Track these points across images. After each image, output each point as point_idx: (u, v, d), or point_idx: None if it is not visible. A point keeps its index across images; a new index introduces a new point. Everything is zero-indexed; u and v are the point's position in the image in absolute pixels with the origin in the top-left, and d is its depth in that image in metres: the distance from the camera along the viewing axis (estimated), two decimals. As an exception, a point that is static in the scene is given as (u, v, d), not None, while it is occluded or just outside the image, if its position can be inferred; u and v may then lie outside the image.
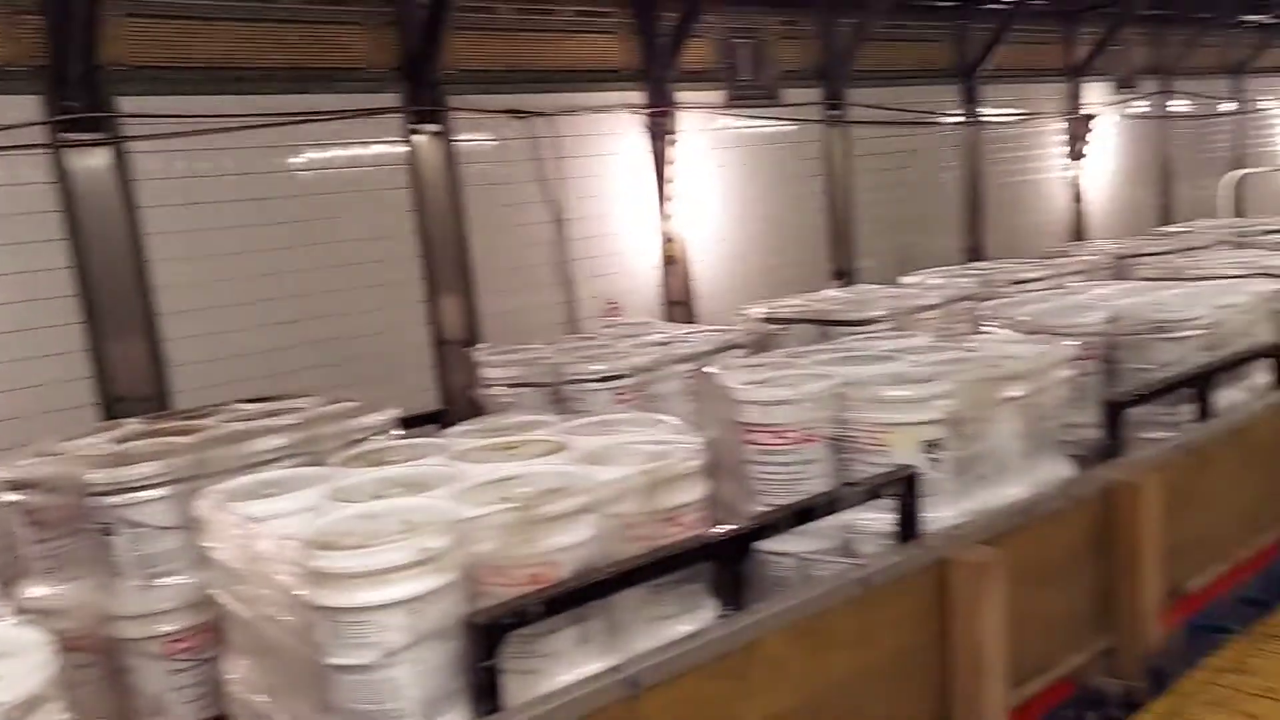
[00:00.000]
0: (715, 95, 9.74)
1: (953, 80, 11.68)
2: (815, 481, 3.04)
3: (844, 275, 10.68)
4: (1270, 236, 6.89)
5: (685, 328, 5.75)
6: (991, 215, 12.28)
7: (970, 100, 11.72)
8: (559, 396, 4.23)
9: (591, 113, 8.75)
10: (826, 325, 4.85)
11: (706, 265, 9.89)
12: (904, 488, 2.78)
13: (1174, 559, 3.50)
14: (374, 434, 3.40)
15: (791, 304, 5.42)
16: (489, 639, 2.10)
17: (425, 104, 7.76)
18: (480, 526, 2.21)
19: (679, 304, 9.66)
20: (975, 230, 12.12)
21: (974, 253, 11.95)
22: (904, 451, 2.94)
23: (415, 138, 7.83)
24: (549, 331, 6.78)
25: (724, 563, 2.54)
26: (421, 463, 2.82)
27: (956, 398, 2.92)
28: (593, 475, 2.43)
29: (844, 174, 10.80)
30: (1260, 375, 4.24)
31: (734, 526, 2.60)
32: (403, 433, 3.59)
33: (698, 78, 9.57)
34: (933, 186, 11.81)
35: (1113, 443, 3.45)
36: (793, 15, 10.20)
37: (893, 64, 11.17)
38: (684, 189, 9.60)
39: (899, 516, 2.80)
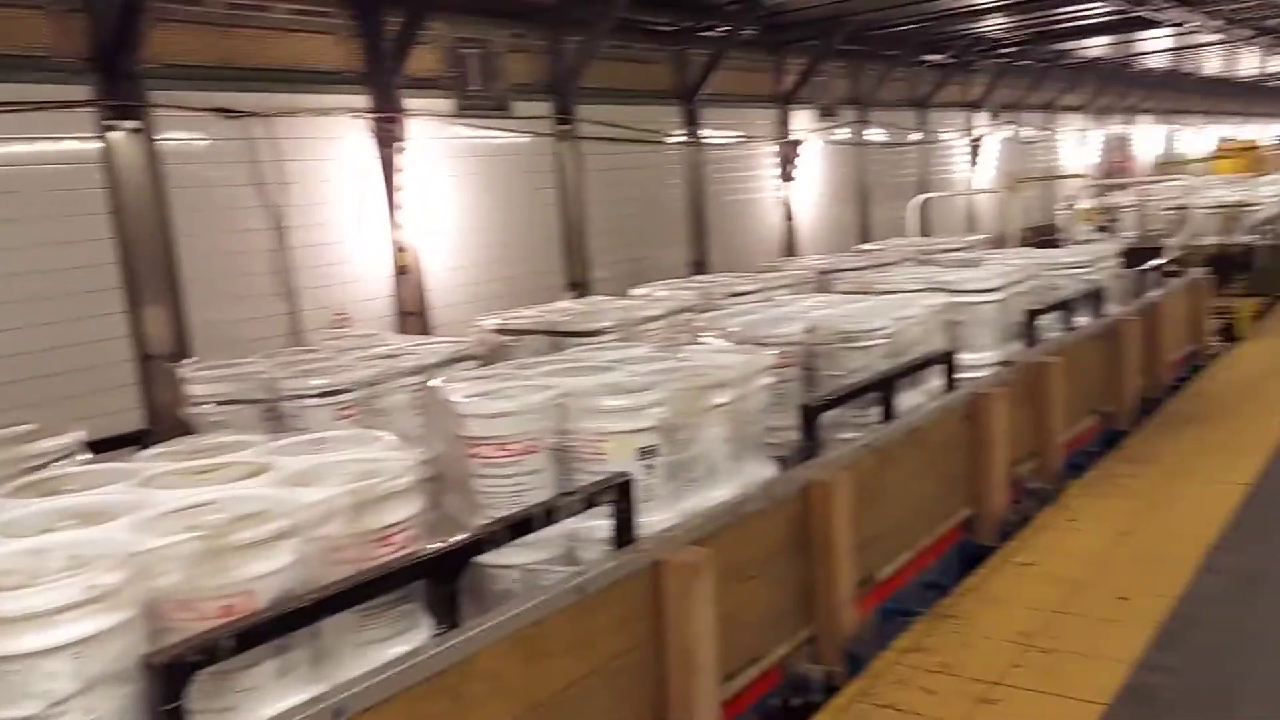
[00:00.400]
0: (445, 104, 9.64)
1: (675, 102, 12.27)
2: (539, 492, 3.07)
3: (578, 287, 10.89)
4: (948, 254, 7.73)
5: (415, 339, 5.61)
6: (714, 231, 13.01)
7: (692, 122, 12.35)
8: (276, 414, 3.98)
9: (312, 115, 8.37)
10: (557, 336, 4.91)
11: (441, 275, 9.75)
12: (619, 494, 2.86)
13: (865, 550, 3.85)
14: (54, 460, 3.05)
15: (524, 315, 5.43)
16: (171, 679, 1.93)
17: (121, 98, 7.09)
18: (162, 558, 2.03)
19: (413, 315, 9.44)
20: (700, 244, 12.79)
21: (699, 266, 12.60)
22: (620, 459, 3.03)
23: (111, 135, 7.14)
24: (269, 345, 6.40)
25: (439, 580, 2.49)
26: (102, 491, 2.56)
27: (668, 406, 3.05)
28: (294, 497, 2.31)
29: (576, 188, 11.03)
30: (935, 379, 4.75)
31: (445, 543, 2.56)
32: (90, 457, 3.25)
33: (427, 85, 9.43)
34: (661, 202, 12.33)
35: (809, 444, 3.74)
36: (521, 28, 10.31)
37: (620, 83, 11.57)
38: (416, 198, 9.41)
39: (615, 522, 2.87)
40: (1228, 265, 11.14)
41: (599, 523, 2.97)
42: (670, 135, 12.22)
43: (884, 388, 4.14)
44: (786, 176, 13.97)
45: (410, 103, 9.21)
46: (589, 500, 2.85)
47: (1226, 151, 22.29)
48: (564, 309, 5.84)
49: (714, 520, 3.06)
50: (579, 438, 3.13)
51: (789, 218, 14.20)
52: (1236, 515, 4.82)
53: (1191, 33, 13.24)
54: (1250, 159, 20.42)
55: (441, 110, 9.58)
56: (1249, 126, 37.32)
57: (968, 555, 4.78)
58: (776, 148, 13.93)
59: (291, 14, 8.40)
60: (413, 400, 4.01)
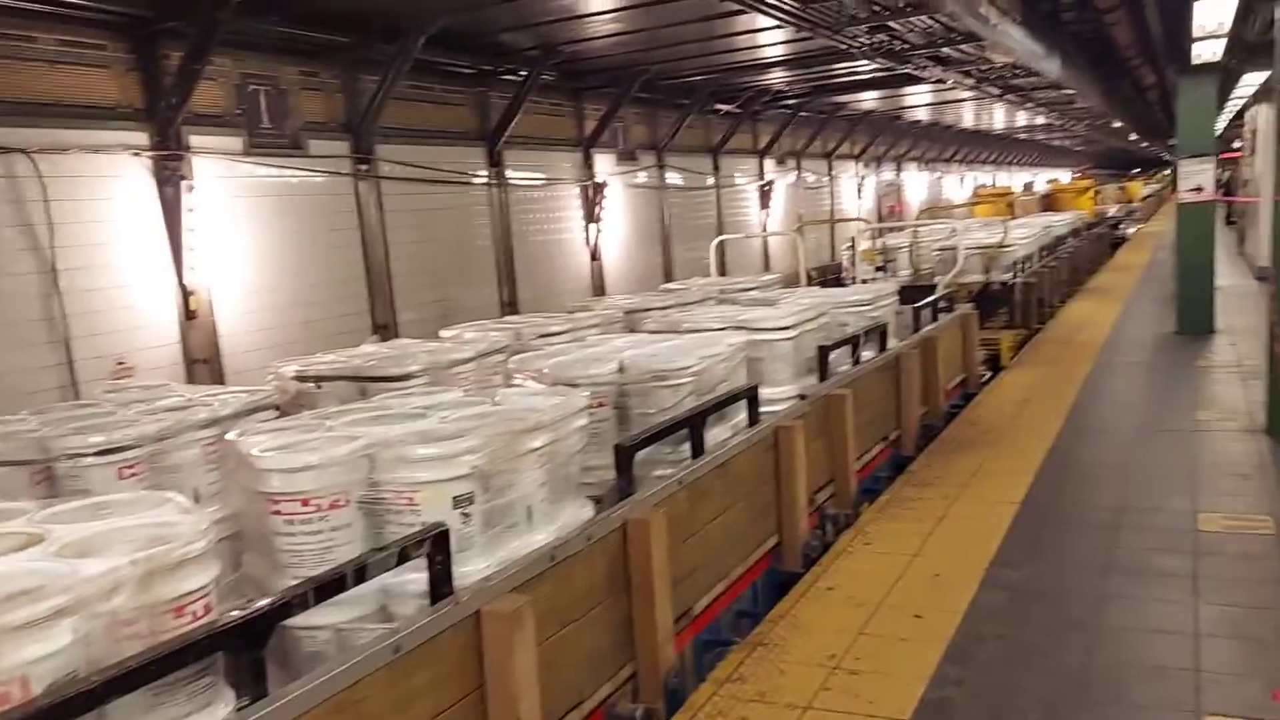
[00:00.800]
0: (235, 142, 9.19)
1: (479, 143, 12.26)
2: (348, 548, 2.94)
3: (384, 329, 10.59)
4: (746, 293, 8.06)
5: (207, 389, 5.25)
6: (523, 271, 13.02)
7: (496, 163, 12.36)
8: (49, 476, 3.62)
9: (84, 152, 7.77)
10: (363, 382, 4.73)
11: (235, 320, 9.23)
12: (435, 546, 2.78)
13: (682, 585, 3.92)
14: None
15: (327, 360, 5.20)
16: (-73, 791, 1.70)
17: None
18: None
19: (203, 363, 8.88)
20: (510, 285, 12.76)
21: (509, 306, 12.57)
22: (435, 509, 2.95)
23: None
24: (41, 399, 5.83)
25: (242, 649, 2.33)
26: None
27: (483, 452, 3.00)
28: (73, 570, 2.10)
29: (379, 228, 10.77)
30: (739, 414, 4.93)
31: (248, 609, 2.40)
32: None
33: (214, 122, 8.97)
34: (469, 243, 12.24)
35: (625, 483, 3.78)
36: (313, 66, 10.01)
37: (422, 123, 11.45)
38: (206, 239, 8.89)
39: (431, 575, 2.79)
40: (990, 301, 12.24)
41: (414, 576, 2.88)
42: (475, 176, 12.17)
43: (694, 424, 4.25)
44: (592, 218, 14.21)
45: (197, 140, 8.72)
46: (403, 554, 2.75)
47: (984, 197, 24.62)
48: (369, 353, 5.63)
49: (533, 566, 3.03)
50: (390, 489, 3.03)
51: (595, 258, 14.43)
52: (1010, 532, 5.26)
53: (950, 89, 14.55)
54: (1004, 204, 22.63)
55: (231, 148, 9.13)
56: (1002, 174, 41.36)
57: (776, 582, 4.97)
58: (580, 190, 14.15)
59: (61, 46, 7.80)
60: (206, 456, 3.76)
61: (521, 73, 11.94)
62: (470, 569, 2.96)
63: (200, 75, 8.40)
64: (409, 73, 10.36)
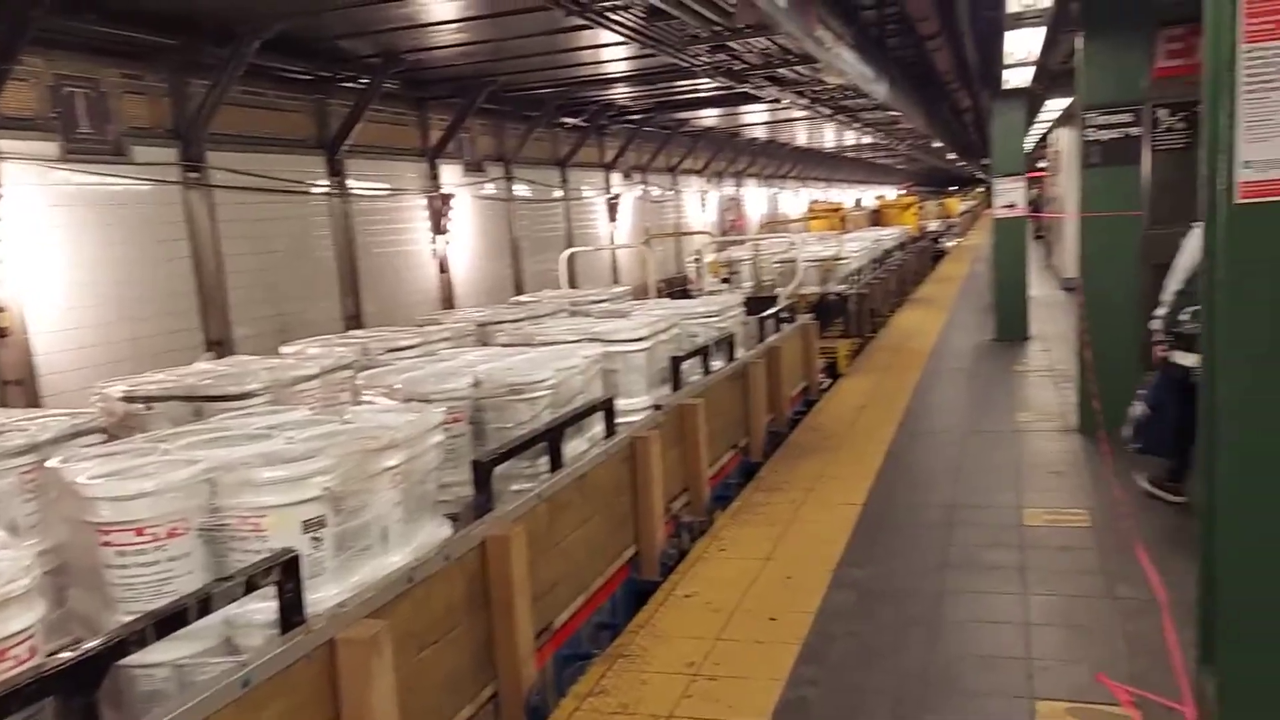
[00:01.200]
0: (50, 147, 8.54)
1: (319, 152, 11.83)
2: (188, 579, 2.76)
3: (218, 345, 10.05)
4: (598, 305, 8.10)
5: (23, 413, 4.83)
6: (368, 284, 12.63)
7: (337, 173, 11.97)
8: None
9: None
10: (199, 402, 4.46)
11: (52, 338, 8.55)
12: (284, 573, 2.65)
13: (543, 600, 3.89)
14: None
15: (157, 379, 4.87)
16: None
17: None
18: None
19: (16, 384, 8.18)
20: (354, 298, 12.35)
21: (354, 320, 12.17)
22: (284, 534, 2.81)
23: None
24: None
25: (72, 694, 2.15)
26: None
27: (334, 473, 2.89)
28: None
29: (211, 239, 10.21)
30: (596, 426, 4.94)
31: (79, 649, 2.22)
32: None
33: (26, 126, 8.30)
34: (310, 254, 11.77)
35: (483, 500, 3.72)
36: (137, 69, 9.42)
37: (257, 130, 10.95)
38: (19, 251, 8.22)
39: (281, 604, 2.66)
40: (827, 311, 12.77)
41: (262, 605, 2.74)
42: (314, 186, 11.74)
43: (552, 437, 4.23)
44: (439, 230, 13.94)
45: (6, 145, 8.05)
46: (250, 583, 2.61)
47: (818, 212, 25.69)
48: (204, 370, 5.32)
49: (390, 589, 2.93)
50: (234, 515, 2.86)
51: (444, 270, 14.16)
52: (854, 533, 5.49)
53: (785, 109, 15.11)
54: (837, 219, 23.68)
55: (45, 154, 8.46)
56: (834, 190, 43.24)
57: (635, 592, 5.00)
58: (427, 201, 13.87)
59: None
60: (23, 485, 3.46)
61: (362, 80, 11.60)
62: (323, 595, 2.84)
63: (9, 76, 7.77)
64: (243, 78, 9.89)
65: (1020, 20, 7.48)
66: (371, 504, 3.05)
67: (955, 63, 14.52)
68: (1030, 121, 17.15)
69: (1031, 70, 10.52)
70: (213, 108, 9.84)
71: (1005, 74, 10.80)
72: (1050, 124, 18.37)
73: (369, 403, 4.26)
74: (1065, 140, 16.20)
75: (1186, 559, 3.39)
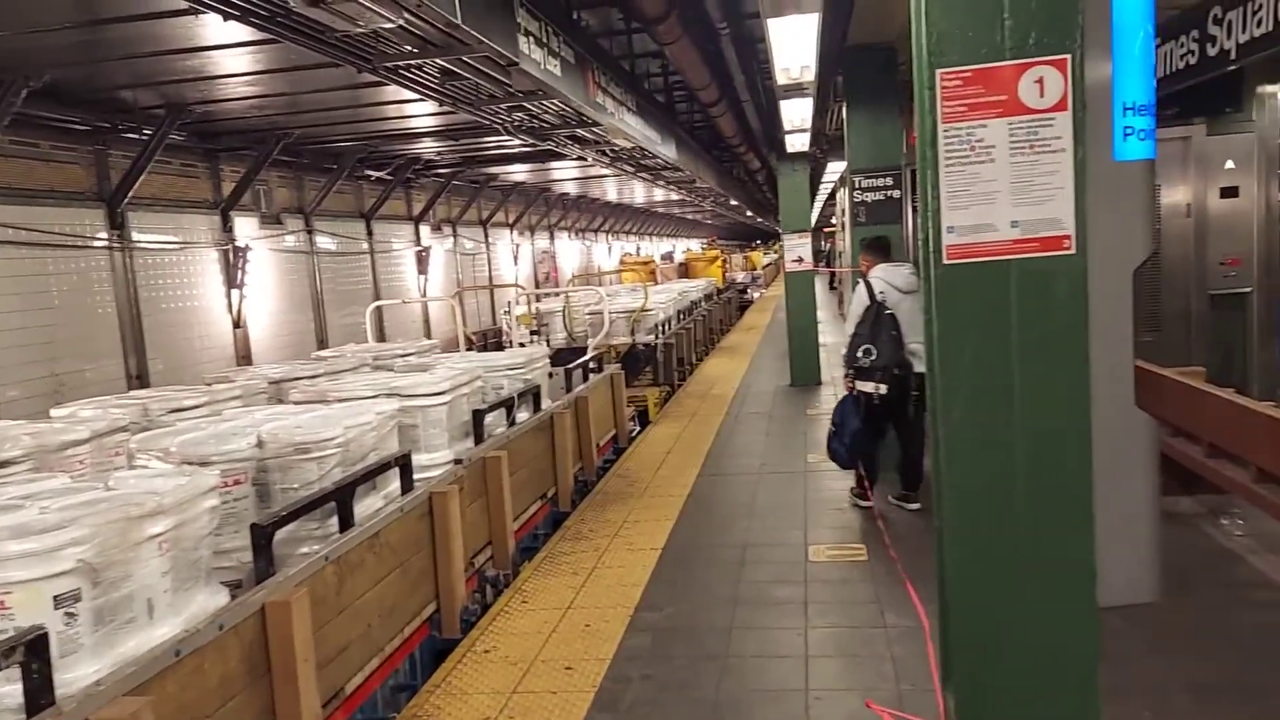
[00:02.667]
0: None
1: (98, 204, 11.14)
2: (-81, 668, 2.54)
3: (-23, 412, 9.19)
4: (403, 359, 7.99)
5: None
6: (155, 341, 11.92)
7: (120, 226, 11.29)
8: None
9: None
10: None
11: None
12: (30, 652, 2.49)
13: (332, 665, 3.78)
14: None
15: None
16: None
17: None
18: None
19: None
20: (139, 356, 11.62)
21: (139, 380, 11.44)
22: (32, 611, 2.64)
23: None
24: None
25: None
26: None
27: (90, 544, 2.74)
28: None
29: (-27, 297, 9.39)
30: (393, 482, 4.88)
31: None
32: None
33: None
34: (91, 311, 11.00)
35: (264, 565, 3.60)
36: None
37: (30, 182, 10.22)
38: None
39: (27, 686, 2.49)
40: (636, 360, 13.11)
41: (7, 689, 2.55)
42: (94, 240, 11.01)
43: (341, 496, 4.15)
44: (235, 284, 13.35)
45: None
46: (-9, 666, 2.44)
47: (629, 265, 26.37)
48: (-44, 441, 4.90)
49: (154, 664, 2.79)
50: (-23, 593, 2.67)
51: (239, 325, 13.54)
52: (654, 576, 5.64)
53: (590, 165, 15.51)
54: (647, 271, 24.38)
55: None
56: (645, 243, 44.47)
57: (437, 651, 4.93)
58: (220, 254, 13.27)
59: None
60: None
61: (146, 131, 11.04)
62: (77, 674, 2.68)
63: None
64: (10, 127, 9.22)
65: (789, 92, 8.09)
66: (135, 574, 2.91)
67: (740, 127, 15.38)
68: (816, 182, 18.38)
69: (808, 136, 11.32)
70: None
71: (786, 139, 11.58)
72: (833, 185, 19.74)
73: (142, 467, 4.06)
74: (844, 200, 17.45)
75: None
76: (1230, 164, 8.76)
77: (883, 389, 6.28)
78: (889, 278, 6.49)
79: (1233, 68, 5.26)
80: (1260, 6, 4.75)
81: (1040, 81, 2.60)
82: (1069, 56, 2.58)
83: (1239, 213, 8.28)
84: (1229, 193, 8.70)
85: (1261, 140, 8.65)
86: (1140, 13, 2.83)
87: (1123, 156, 2.78)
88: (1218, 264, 8.48)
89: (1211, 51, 5.37)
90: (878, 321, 6.36)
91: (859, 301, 6.54)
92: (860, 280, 6.68)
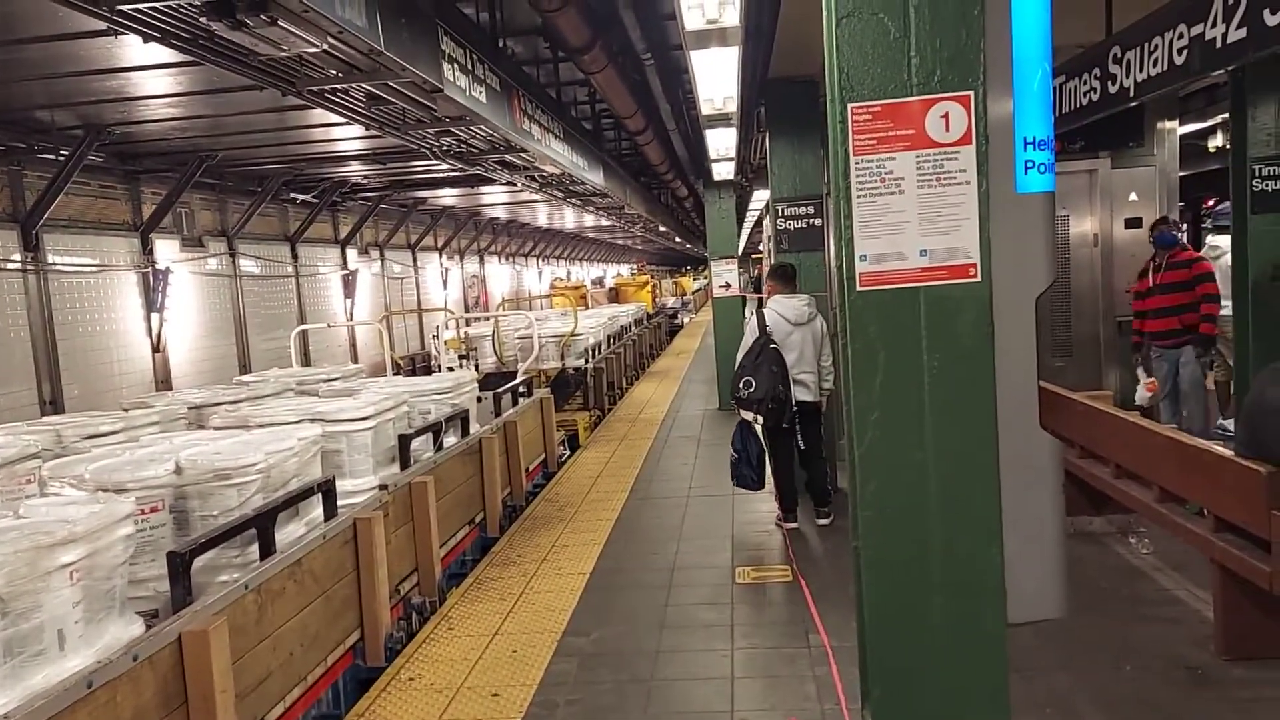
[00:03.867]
0: None
1: (11, 225, 10.79)
2: None
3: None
4: (328, 384, 7.89)
5: None
6: (71, 366, 11.53)
7: (34, 248, 10.94)
8: None
9: None
10: None
11: None
12: (-68, 688, 2.41)
13: (252, 695, 3.72)
14: None
15: None
16: None
17: None
18: None
19: None
20: (52, 381, 11.22)
21: (53, 406, 11.06)
22: (-65, 646, 2.56)
23: None
24: None
25: None
26: None
27: (-2, 573, 2.67)
28: None
29: None
30: (316, 509, 4.82)
31: None
32: None
33: None
34: (0, 335, 10.61)
35: (181, 593, 3.53)
36: None
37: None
38: None
39: (-72, 724, 2.41)
40: (566, 385, 13.12)
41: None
42: (8, 262, 10.65)
43: (261, 523, 4.09)
44: (155, 307, 13.00)
45: None
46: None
47: (559, 289, 26.40)
48: None
49: (64, 697, 2.72)
50: (-126, 628, 2.58)
51: (158, 350, 13.17)
52: (581, 601, 5.65)
53: (520, 191, 15.52)
54: (578, 296, 24.43)
55: None
56: (576, 268, 44.54)
57: (361, 680, 4.86)
58: (140, 277, 12.93)
59: None
60: None
61: (63, 152, 10.73)
62: (-18, 709, 2.60)
63: None
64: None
65: (714, 122, 8.27)
66: (45, 604, 2.84)
67: (667, 155, 15.59)
68: (743, 209, 18.68)
69: (733, 164, 11.54)
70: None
71: (713, 167, 11.78)
72: (759, 212, 20.09)
73: (55, 494, 3.95)
74: (769, 227, 17.79)
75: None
76: (1134, 195, 9.19)
77: (760, 419, 6.67)
78: (782, 310, 6.81)
79: (1133, 104, 5.54)
80: (1156, 47, 5.03)
81: (945, 116, 2.73)
82: (971, 93, 2.72)
83: (1142, 242, 8.67)
84: (1133, 223, 9.12)
85: (1162, 173, 9.11)
86: (1039, 52, 2.99)
87: (1024, 189, 2.92)
88: (1124, 291, 8.86)
89: (1112, 89, 5.65)
90: (761, 355, 6.69)
91: (750, 334, 6.90)
92: (754, 311, 7.00)
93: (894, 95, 2.72)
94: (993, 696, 2.86)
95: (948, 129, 2.75)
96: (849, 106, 2.72)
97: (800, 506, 7.03)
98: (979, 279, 2.77)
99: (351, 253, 19.59)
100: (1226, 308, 7.81)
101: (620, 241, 42.89)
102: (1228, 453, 4.38)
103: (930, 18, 2.71)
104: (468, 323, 16.77)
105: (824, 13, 2.77)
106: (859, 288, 2.74)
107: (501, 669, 4.72)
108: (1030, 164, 3.00)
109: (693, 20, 5.23)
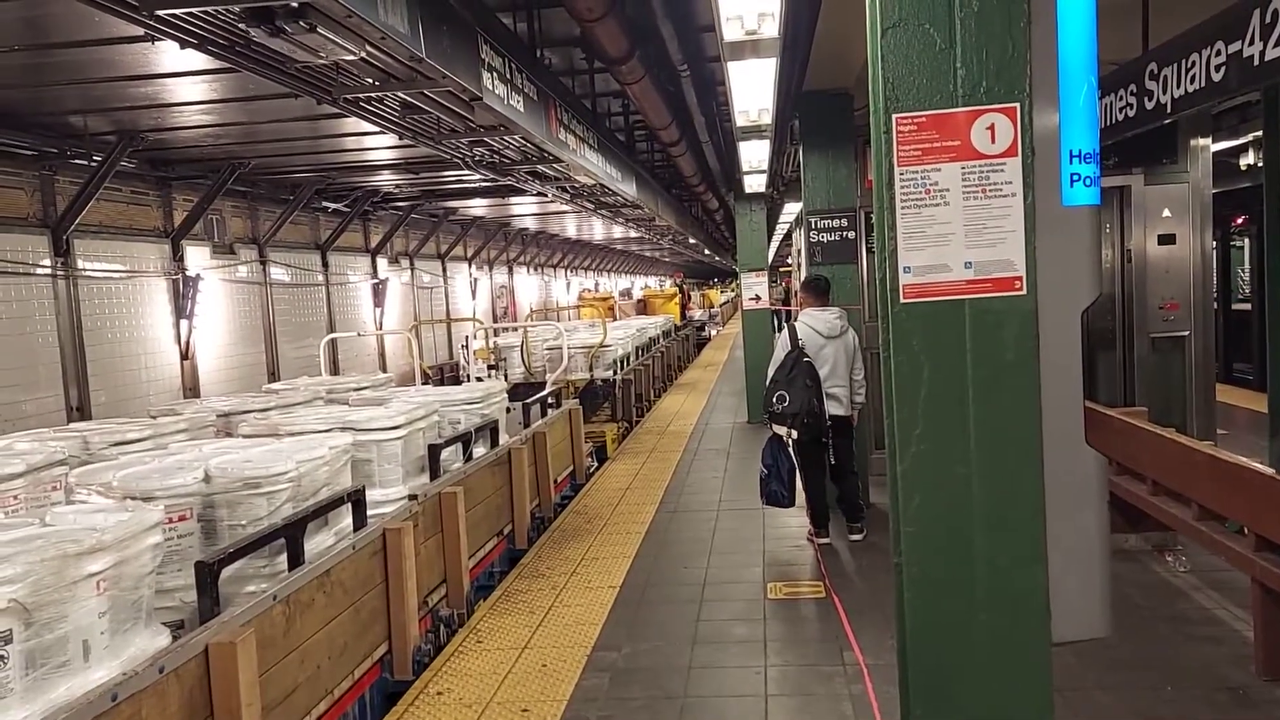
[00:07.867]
0: None
1: (42, 230, 10.90)
2: None
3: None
4: (357, 393, 7.88)
5: None
6: (99, 372, 11.63)
7: (64, 253, 11.05)
8: None
9: None
10: None
11: None
12: (-42, 700, 2.39)
13: (279, 708, 3.67)
14: None
15: None
16: None
17: None
18: None
19: None
20: (81, 388, 11.32)
21: (80, 412, 11.14)
22: (-39, 655, 2.54)
23: None
24: None
25: None
26: None
27: (23, 583, 2.64)
28: None
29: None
30: (345, 519, 4.79)
31: None
32: None
33: None
34: (30, 341, 10.71)
35: (209, 604, 3.50)
36: None
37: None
38: None
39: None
40: (594, 396, 13.08)
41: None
42: (38, 267, 10.76)
43: (290, 533, 4.06)
44: (184, 314, 13.10)
45: None
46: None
47: (587, 301, 26.41)
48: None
49: (88, 710, 2.68)
50: (-100, 636, 2.56)
51: (187, 357, 13.28)
52: (611, 615, 5.58)
53: (550, 201, 15.54)
54: (606, 308, 24.43)
55: None
56: (604, 279, 44.59)
57: (388, 693, 4.81)
58: (171, 284, 13.05)
59: None
60: None
61: (96, 158, 10.85)
62: (7, 718, 2.56)
63: None
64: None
65: (748, 134, 8.21)
66: (71, 615, 2.80)
67: (699, 167, 15.55)
68: (773, 222, 18.59)
69: (765, 177, 11.47)
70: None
71: (745, 179, 11.71)
72: (789, 225, 19.99)
73: (82, 502, 3.94)
74: (799, 240, 17.70)
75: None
76: (1167, 212, 9.04)
77: (794, 434, 6.55)
78: (814, 323, 6.70)
79: (1168, 120, 5.43)
80: (1194, 64, 4.93)
81: (991, 128, 2.66)
82: (1018, 105, 2.65)
83: (1176, 259, 8.53)
84: (1166, 240, 8.97)
85: (1195, 190, 8.96)
86: (1084, 65, 2.91)
87: (1070, 202, 2.84)
88: (1157, 308, 8.71)
89: (1149, 105, 5.55)
90: (795, 369, 6.59)
91: (781, 347, 6.79)
92: (786, 324, 6.91)
93: (939, 106, 2.65)
94: (1037, 717, 2.76)
95: (993, 140, 2.68)
96: (894, 117, 2.65)
97: (831, 521, 6.92)
98: (1024, 292, 2.69)
99: (382, 262, 19.69)
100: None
101: (648, 253, 42.89)
102: (1269, 470, 4.25)
103: (976, 29, 2.65)
104: (496, 333, 16.78)
105: (868, 23, 2.71)
106: (903, 300, 2.67)
107: (531, 684, 4.65)
108: (1076, 177, 2.91)
109: (732, 32, 5.18)
